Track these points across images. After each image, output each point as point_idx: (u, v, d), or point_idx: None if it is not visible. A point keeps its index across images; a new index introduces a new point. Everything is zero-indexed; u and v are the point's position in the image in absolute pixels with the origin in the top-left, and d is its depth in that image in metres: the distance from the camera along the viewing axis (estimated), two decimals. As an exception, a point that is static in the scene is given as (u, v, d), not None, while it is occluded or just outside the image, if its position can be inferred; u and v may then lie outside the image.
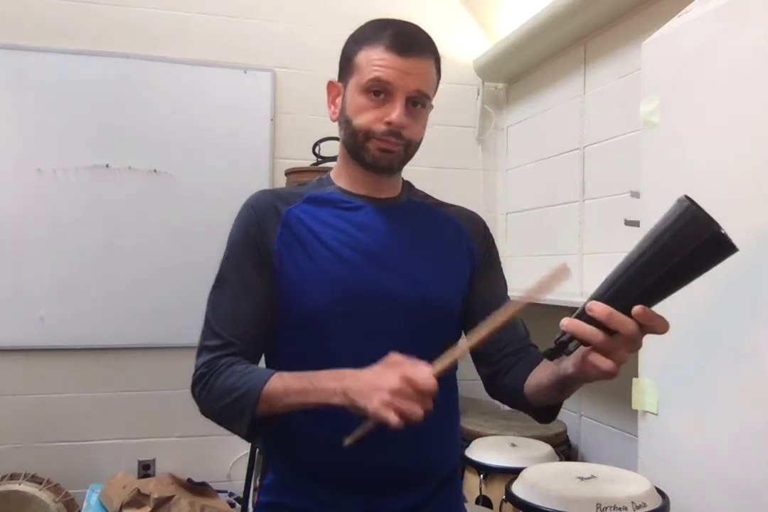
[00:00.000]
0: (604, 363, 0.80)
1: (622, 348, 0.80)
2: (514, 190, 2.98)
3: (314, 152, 2.50)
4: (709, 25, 1.41)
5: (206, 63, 2.71)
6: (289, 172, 2.48)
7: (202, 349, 1.06)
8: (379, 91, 1.03)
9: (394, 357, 0.90)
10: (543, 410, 1.07)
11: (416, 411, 0.85)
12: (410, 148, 1.07)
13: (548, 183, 2.67)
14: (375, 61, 1.02)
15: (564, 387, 0.95)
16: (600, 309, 0.79)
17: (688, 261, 0.76)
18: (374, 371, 0.90)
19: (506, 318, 0.88)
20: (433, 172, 2.86)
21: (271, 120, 2.77)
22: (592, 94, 2.39)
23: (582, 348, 0.84)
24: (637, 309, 0.77)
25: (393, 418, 0.84)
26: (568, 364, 0.88)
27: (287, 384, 0.96)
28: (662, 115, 1.52)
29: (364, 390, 0.88)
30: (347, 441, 0.90)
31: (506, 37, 2.65)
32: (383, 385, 0.86)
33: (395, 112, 1.02)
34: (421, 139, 1.10)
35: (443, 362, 0.89)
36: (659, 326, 0.79)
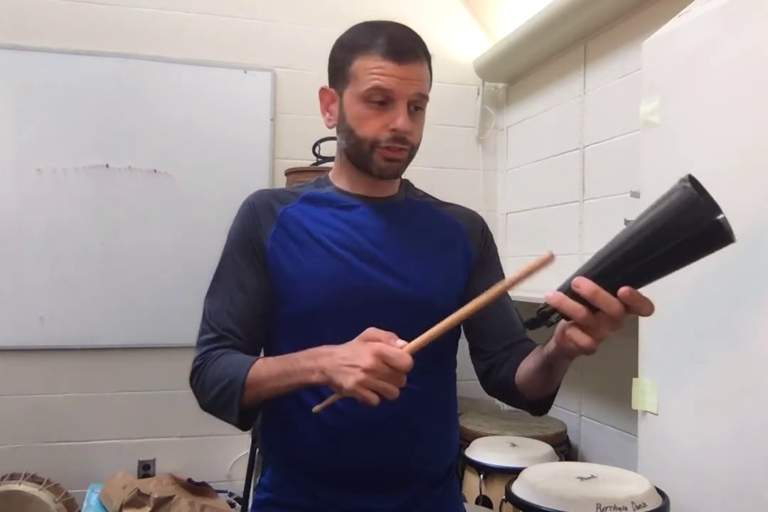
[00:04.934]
0: (582, 339, 0.80)
1: (604, 325, 0.79)
2: (514, 190, 2.98)
3: (314, 152, 2.50)
4: (709, 25, 1.41)
5: (206, 63, 2.71)
6: (289, 172, 2.48)
7: (198, 344, 1.08)
8: (380, 99, 1.03)
9: (370, 331, 0.89)
10: (536, 402, 1.07)
11: (391, 390, 0.85)
12: (413, 151, 1.09)
13: (548, 183, 2.66)
14: (372, 69, 1.02)
15: (550, 368, 0.95)
16: (587, 286, 0.77)
17: (684, 247, 0.74)
18: (349, 347, 0.89)
19: (487, 300, 0.86)
20: (433, 172, 2.86)
21: (271, 120, 2.77)
22: (592, 94, 2.39)
23: (563, 321, 0.82)
24: (624, 290, 0.76)
25: (371, 397, 0.85)
26: (551, 342, 0.88)
27: (270, 369, 0.97)
28: (662, 115, 1.52)
29: (340, 369, 0.87)
30: (316, 408, 0.93)
31: (506, 37, 2.65)
32: (358, 363, 0.85)
33: (400, 119, 1.02)
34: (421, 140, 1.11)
35: (420, 339, 0.88)
36: (645, 308, 0.78)
